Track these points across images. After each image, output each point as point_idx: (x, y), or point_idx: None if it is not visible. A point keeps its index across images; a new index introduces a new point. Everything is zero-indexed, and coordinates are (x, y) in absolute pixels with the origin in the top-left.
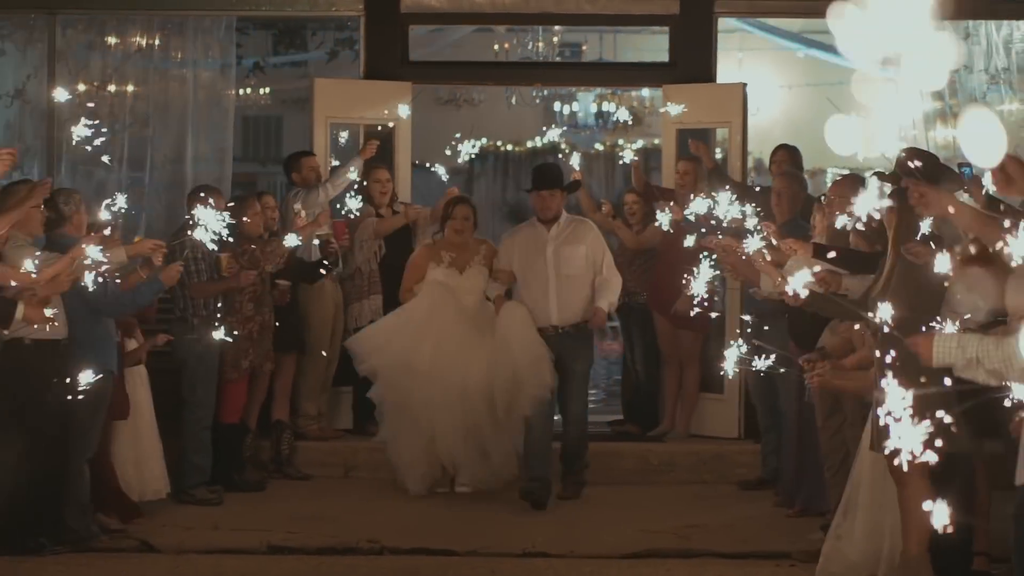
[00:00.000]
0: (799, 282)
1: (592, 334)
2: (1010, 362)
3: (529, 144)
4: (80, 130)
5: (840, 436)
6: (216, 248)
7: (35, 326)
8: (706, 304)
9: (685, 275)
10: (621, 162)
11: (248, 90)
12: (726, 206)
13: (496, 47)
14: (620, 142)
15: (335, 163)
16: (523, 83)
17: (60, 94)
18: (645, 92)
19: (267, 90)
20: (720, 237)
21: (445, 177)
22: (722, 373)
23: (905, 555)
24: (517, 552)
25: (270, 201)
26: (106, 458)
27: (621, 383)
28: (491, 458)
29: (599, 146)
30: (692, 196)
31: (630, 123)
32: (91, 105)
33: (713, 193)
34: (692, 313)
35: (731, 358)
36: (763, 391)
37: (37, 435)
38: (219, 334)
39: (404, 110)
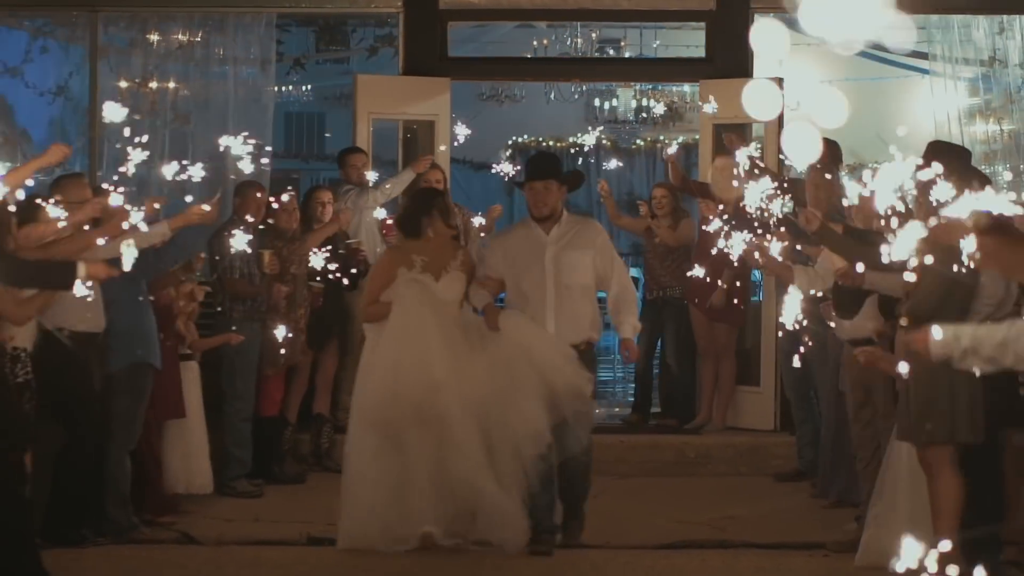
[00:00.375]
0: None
1: (595, 358)
2: (1005, 348)
3: (571, 139)
4: (112, 111)
5: (871, 428)
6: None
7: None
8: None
9: (720, 269)
10: (662, 158)
11: (290, 87)
12: (763, 198)
13: (535, 43)
14: (661, 138)
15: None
16: (561, 79)
17: (103, 91)
18: (686, 88)
19: (308, 87)
20: (749, 242)
21: (510, 173)
22: (780, 333)
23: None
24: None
25: (325, 196)
26: (151, 451)
27: (659, 377)
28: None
29: (640, 142)
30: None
31: (665, 115)
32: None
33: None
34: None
35: (789, 316)
36: (797, 383)
37: (77, 427)
38: (256, 328)
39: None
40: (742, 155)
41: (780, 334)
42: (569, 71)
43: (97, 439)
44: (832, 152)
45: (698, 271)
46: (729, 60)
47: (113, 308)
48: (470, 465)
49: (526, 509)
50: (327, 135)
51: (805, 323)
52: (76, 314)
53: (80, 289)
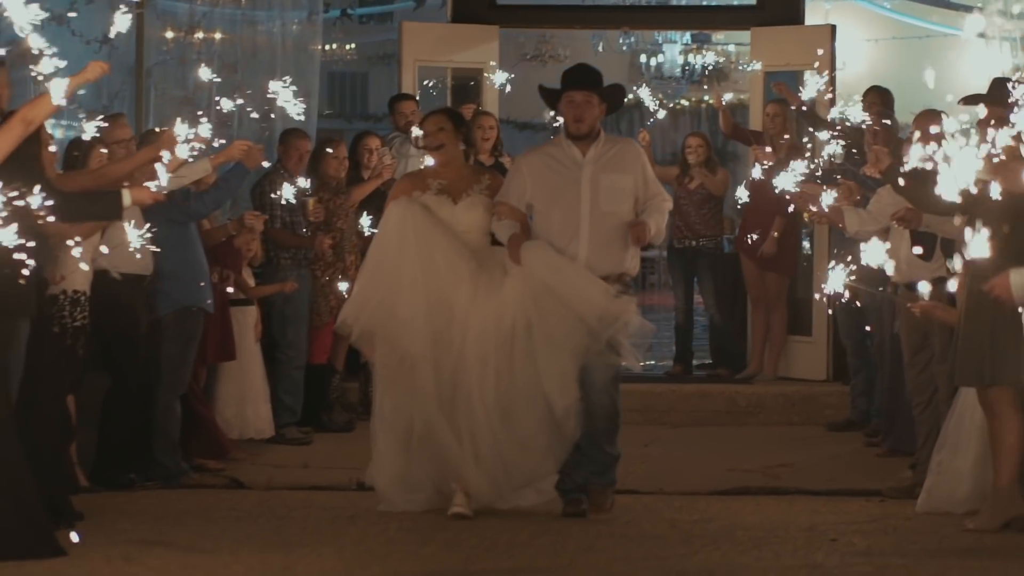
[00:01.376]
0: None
1: (632, 292)
2: None
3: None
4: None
5: (928, 373)
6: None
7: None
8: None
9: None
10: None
11: (334, 45)
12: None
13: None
14: (705, 98)
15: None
16: (610, 26)
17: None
18: (731, 47)
19: (352, 46)
20: (798, 188)
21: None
22: (825, 293)
23: (996, 487)
24: None
25: (374, 143)
26: (202, 396)
27: (708, 328)
28: (526, 450)
29: (684, 102)
30: (781, 137)
31: (711, 73)
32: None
33: (803, 133)
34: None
35: (836, 280)
36: (852, 331)
37: (123, 371)
38: (305, 276)
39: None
40: (792, 101)
41: (821, 295)
42: (618, 18)
43: (144, 383)
44: (885, 99)
45: (748, 220)
46: (780, 7)
47: (162, 251)
48: (479, 416)
49: (551, 467)
50: (370, 96)
51: (854, 277)
52: (125, 255)
53: (134, 235)
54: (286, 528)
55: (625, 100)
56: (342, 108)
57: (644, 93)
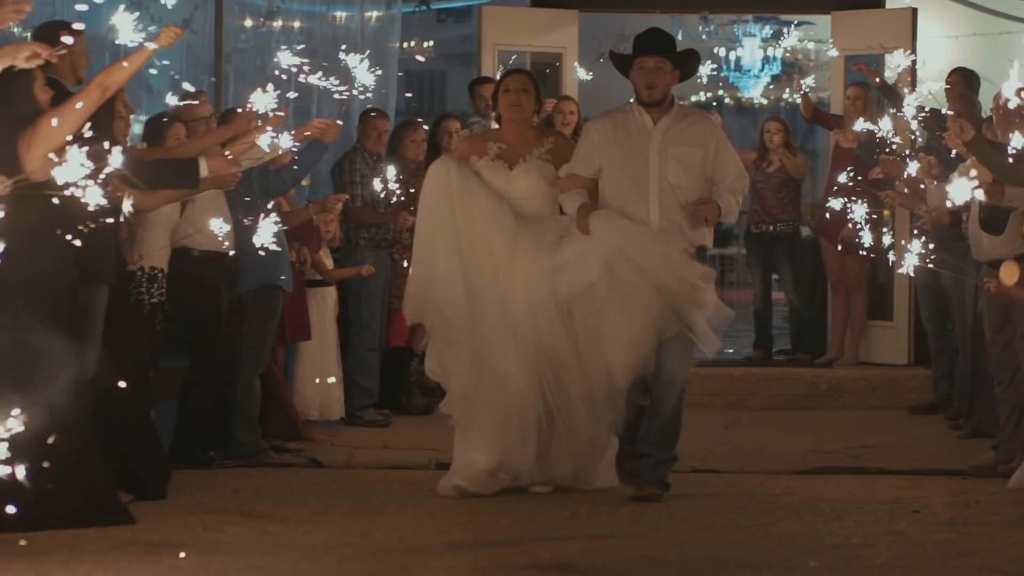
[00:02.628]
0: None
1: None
2: None
3: (693, 99)
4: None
5: (1011, 350)
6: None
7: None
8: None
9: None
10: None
11: (412, 43)
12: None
13: None
14: (784, 96)
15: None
16: (688, 11)
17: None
18: (810, 45)
19: (431, 43)
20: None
21: None
22: (901, 269)
23: None
24: (686, 469)
25: (453, 126)
26: (280, 375)
27: (788, 314)
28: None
29: (763, 100)
30: (862, 120)
31: (797, 62)
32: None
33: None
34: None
35: (910, 260)
36: (934, 314)
37: (205, 349)
38: (383, 257)
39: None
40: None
41: (904, 270)
42: (697, 3)
43: (224, 361)
44: (969, 82)
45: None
46: None
47: (241, 229)
48: (536, 392)
49: (615, 447)
50: (448, 96)
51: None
52: (206, 233)
53: (219, 225)
54: (365, 500)
55: (699, 66)
56: (419, 107)
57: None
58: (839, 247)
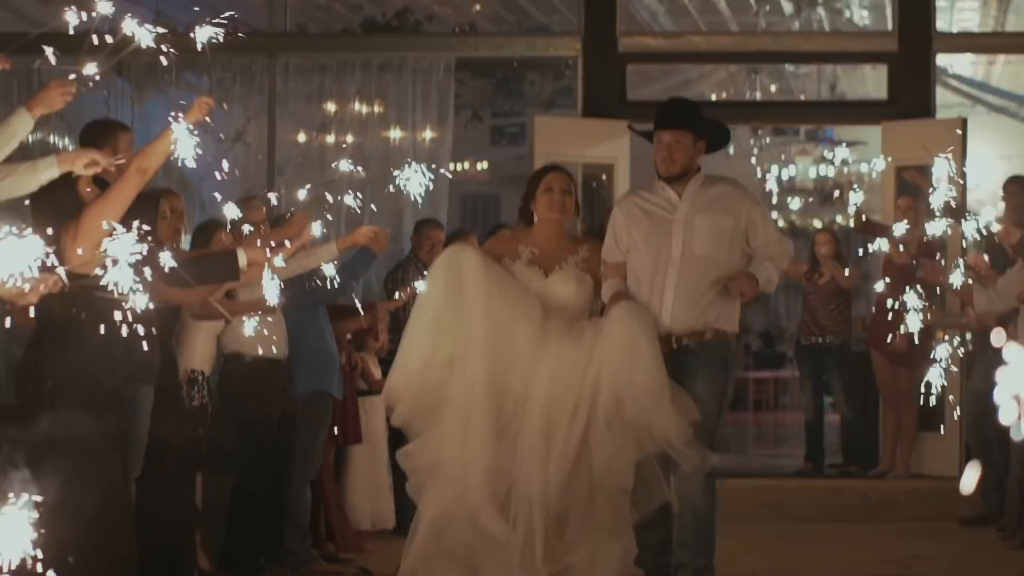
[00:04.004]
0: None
1: (729, 354)
2: None
3: None
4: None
5: None
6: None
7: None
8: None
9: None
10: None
11: (466, 165)
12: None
13: (713, 96)
14: (838, 219)
15: None
16: (738, 122)
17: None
18: (864, 167)
19: (484, 165)
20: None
21: None
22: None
23: None
24: None
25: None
26: (331, 483)
27: (839, 427)
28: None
29: (817, 223)
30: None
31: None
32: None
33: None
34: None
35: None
36: (977, 428)
37: (255, 455)
38: None
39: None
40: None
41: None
42: (747, 114)
43: (276, 468)
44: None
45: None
46: (911, 101)
47: (294, 336)
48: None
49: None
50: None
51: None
52: (259, 340)
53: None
54: None
55: (729, 139)
56: (474, 229)
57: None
58: (889, 357)
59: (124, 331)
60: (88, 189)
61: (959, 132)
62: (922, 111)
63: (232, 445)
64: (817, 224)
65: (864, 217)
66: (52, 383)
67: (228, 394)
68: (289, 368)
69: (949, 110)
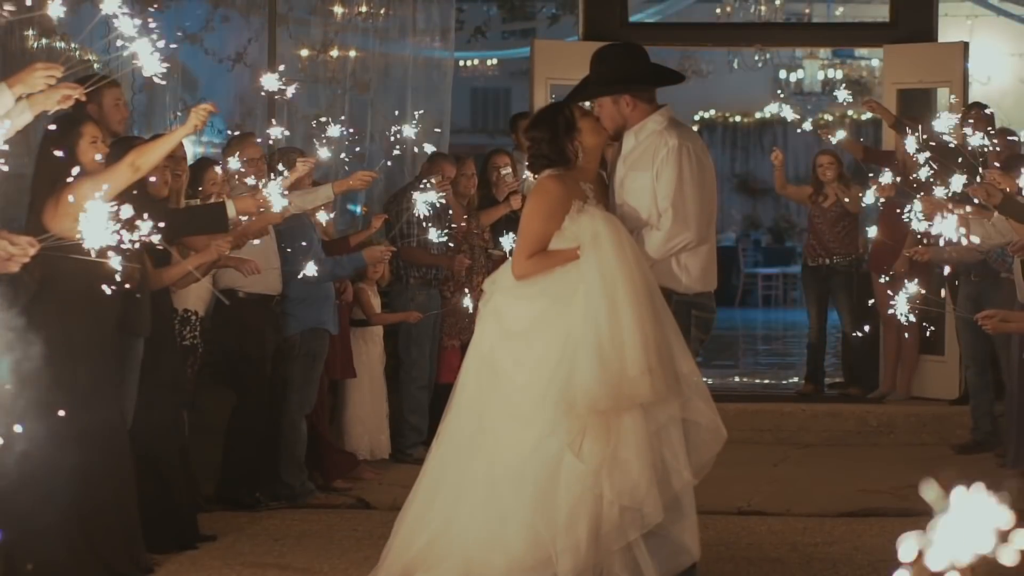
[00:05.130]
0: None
1: (689, 317)
2: None
3: (757, 115)
4: (269, 81)
5: None
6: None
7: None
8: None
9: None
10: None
11: (475, 62)
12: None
13: (718, 12)
14: (849, 113)
15: None
16: (742, 44)
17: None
18: (875, 62)
19: (494, 61)
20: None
21: None
22: (900, 316)
23: None
24: (732, 511)
25: (502, 161)
26: (325, 415)
27: (841, 345)
28: None
29: (828, 116)
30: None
31: (861, 80)
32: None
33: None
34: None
35: (901, 302)
36: (977, 352)
37: (249, 391)
38: (434, 295)
39: None
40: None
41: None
42: (751, 36)
43: (270, 403)
44: (990, 120)
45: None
46: (913, 24)
47: (289, 273)
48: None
49: None
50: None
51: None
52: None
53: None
54: None
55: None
56: (484, 123)
57: (786, 110)
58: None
59: (107, 289)
60: (92, 153)
61: (961, 56)
62: (924, 35)
63: (227, 380)
64: (828, 117)
65: (862, 147)
66: (48, 332)
67: (222, 329)
68: (285, 304)
69: (958, 7)
